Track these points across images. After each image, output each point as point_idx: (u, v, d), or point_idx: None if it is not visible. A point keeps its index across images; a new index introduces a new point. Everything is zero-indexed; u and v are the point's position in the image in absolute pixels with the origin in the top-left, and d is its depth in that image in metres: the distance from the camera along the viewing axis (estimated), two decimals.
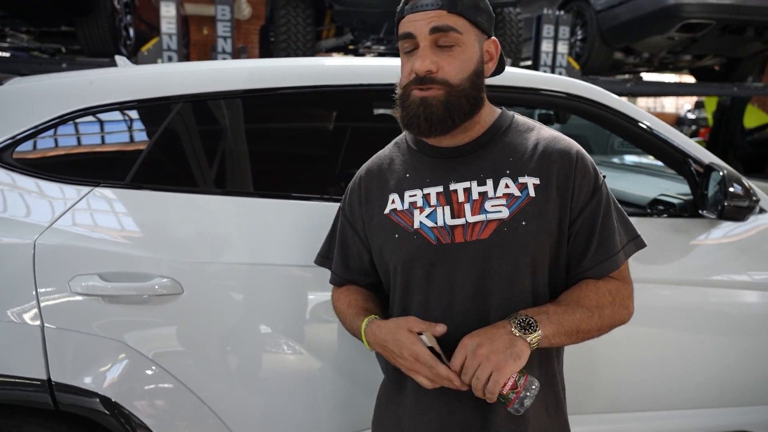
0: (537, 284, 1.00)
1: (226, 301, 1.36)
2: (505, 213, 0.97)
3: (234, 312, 1.37)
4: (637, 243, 1.07)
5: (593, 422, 1.61)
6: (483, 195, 0.99)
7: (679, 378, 1.67)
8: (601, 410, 1.63)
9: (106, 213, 1.35)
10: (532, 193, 0.98)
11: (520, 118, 1.09)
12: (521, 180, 0.99)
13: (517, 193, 0.98)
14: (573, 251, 1.02)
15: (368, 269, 1.13)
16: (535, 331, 0.92)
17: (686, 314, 1.63)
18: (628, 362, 1.59)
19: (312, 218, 1.40)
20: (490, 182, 0.99)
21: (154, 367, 1.32)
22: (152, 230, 1.36)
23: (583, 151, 1.04)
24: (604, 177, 1.05)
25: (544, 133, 1.05)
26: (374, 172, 1.11)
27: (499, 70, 1.10)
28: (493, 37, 1.02)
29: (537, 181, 0.99)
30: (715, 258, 1.65)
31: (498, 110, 1.08)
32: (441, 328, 0.94)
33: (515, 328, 0.92)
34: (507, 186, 0.98)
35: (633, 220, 1.60)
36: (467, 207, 0.98)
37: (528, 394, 0.89)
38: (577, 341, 0.99)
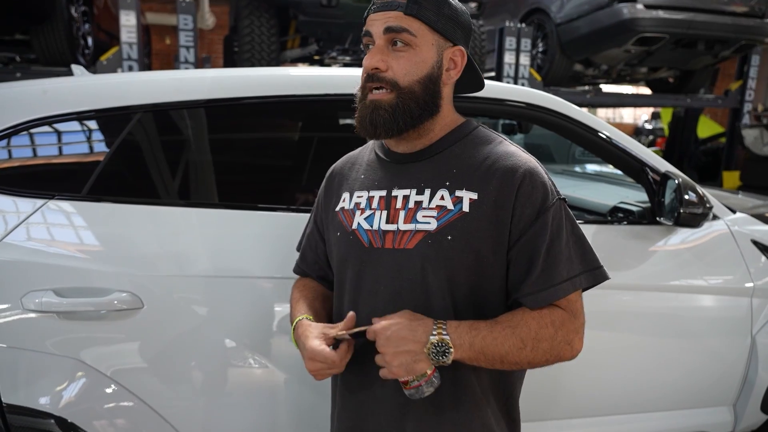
0: (456, 302, 0.96)
1: (189, 315, 1.33)
2: (433, 225, 0.95)
3: (197, 326, 1.34)
4: (594, 276, 0.98)
5: (553, 428, 1.63)
6: (418, 204, 0.97)
7: (639, 381, 1.71)
8: (563, 416, 1.65)
9: (61, 226, 1.30)
10: (465, 209, 0.94)
11: (483, 131, 1.05)
12: (458, 193, 0.96)
13: (450, 206, 0.95)
14: (513, 276, 0.96)
15: (322, 262, 1.15)
16: (445, 355, 0.88)
17: (645, 318, 1.68)
18: (588, 368, 1.62)
19: (277, 229, 1.39)
20: (427, 192, 0.98)
21: (113, 385, 1.28)
22: (110, 243, 1.32)
23: (538, 170, 0.97)
24: (562, 200, 0.98)
25: (500, 148, 1.00)
26: (338, 170, 1.14)
27: (477, 84, 1.09)
28: (459, 47, 1.00)
29: (474, 196, 0.95)
30: (672, 264, 1.71)
31: (461, 119, 1.06)
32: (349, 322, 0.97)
33: (429, 348, 0.88)
34: (442, 198, 0.96)
35: (593, 227, 1.68)
36: (402, 214, 0.98)
37: (426, 388, 0.90)
38: (501, 368, 0.94)
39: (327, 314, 1.12)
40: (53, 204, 1.30)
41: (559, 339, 0.93)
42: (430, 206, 0.96)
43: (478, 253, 0.94)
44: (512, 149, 1.00)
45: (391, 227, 0.98)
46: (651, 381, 1.72)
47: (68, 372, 1.25)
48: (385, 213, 1.00)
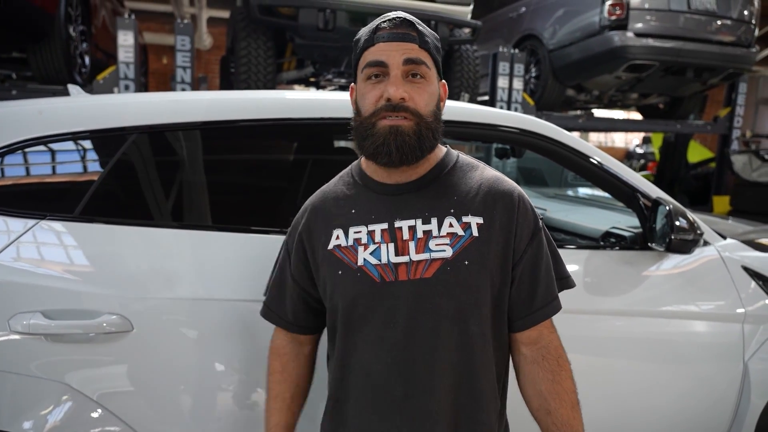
0: (482, 324, 0.99)
1: (179, 338, 1.31)
2: (448, 252, 0.97)
3: (186, 349, 1.32)
4: (561, 284, 1.08)
5: None
6: (427, 233, 0.98)
7: (630, 408, 1.70)
8: None
9: (52, 247, 1.29)
10: (475, 233, 0.98)
11: (464, 158, 1.10)
12: (465, 219, 0.99)
13: (460, 232, 0.98)
14: (518, 293, 1.03)
15: (299, 308, 1.11)
16: None
17: (636, 344, 1.67)
18: (581, 394, 1.61)
19: (272, 252, 1.38)
20: (434, 221, 0.99)
21: (99, 410, 1.25)
22: (101, 265, 1.31)
23: (524, 193, 1.06)
24: (541, 218, 1.07)
25: (488, 173, 1.06)
26: (318, 207, 1.09)
27: None
28: (443, 81, 1.06)
29: (480, 220, 0.99)
30: (663, 289, 1.71)
31: (444, 148, 1.09)
32: None
33: None
34: (451, 225, 0.98)
35: (586, 252, 1.69)
36: (412, 245, 0.98)
37: None
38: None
39: (296, 415, 1.15)
40: (45, 224, 1.30)
41: (564, 368, 1.05)
42: (441, 234, 0.98)
43: (491, 274, 0.99)
44: (498, 173, 1.08)
45: (403, 259, 0.97)
46: (642, 408, 1.71)
47: (54, 396, 1.23)
48: (392, 245, 0.99)
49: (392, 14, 1.00)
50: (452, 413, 0.98)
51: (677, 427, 1.76)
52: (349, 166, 1.14)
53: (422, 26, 1.01)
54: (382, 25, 0.98)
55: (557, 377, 1.03)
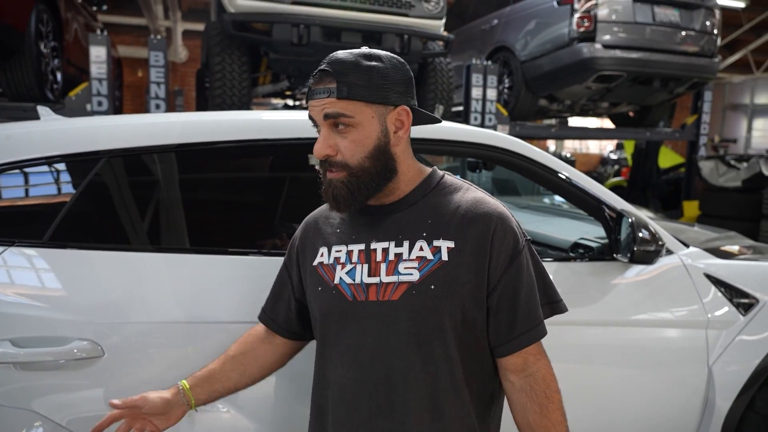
0: (447, 347, 0.99)
1: (150, 362, 1.31)
2: (415, 276, 0.98)
3: (158, 373, 1.32)
4: (552, 308, 1.07)
5: None
6: (398, 256, 1.00)
7: (602, 414, 1.74)
8: None
9: (20, 274, 1.28)
10: (444, 257, 0.98)
11: (449, 179, 1.09)
12: (436, 243, 0.99)
13: (429, 256, 0.99)
14: (497, 319, 1.01)
15: (292, 315, 1.16)
16: None
17: (606, 352, 1.72)
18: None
19: (249, 273, 1.39)
20: (406, 244, 1.01)
21: None
22: (70, 290, 1.30)
23: (507, 215, 1.03)
24: (528, 241, 1.05)
25: (469, 195, 1.05)
26: (312, 225, 1.15)
27: (428, 121, 1.10)
28: (401, 106, 1.01)
29: (452, 244, 0.99)
30: (629, 299, 1.76)
31: (428, 170, 1.09)
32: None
33: None
34: (421, 249, 0.99)
35: (555, 264, 1.73)
36: (383, 267, 1.00)
37: None
38: None
39: (234, 379, 1.17)
40: (13, 251, 1.29)
41: (555, 398, 1.04)
42: (411, 257, 0.99)
43: (462, 299, 0.98)
44: (480, 195, 1.06)
45: (374, 280, 1.00)
46: (613, 412, 1.75)
47: (23, 424, 1.22)
48: (366, 266, 1.01)
49: (323, 63, 0.99)
50: None
51: (648, 429, 1.80)
52: None
53: (346, 69, 0.97)
54: (312, 80, 1.01)
55: (545, 410, 1.01)
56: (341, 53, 1.00)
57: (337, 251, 1.06)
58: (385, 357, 0.98)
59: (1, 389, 1.21)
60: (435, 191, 1.06)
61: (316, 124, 1.03)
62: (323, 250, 1.08)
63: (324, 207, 1.17)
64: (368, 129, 0.99)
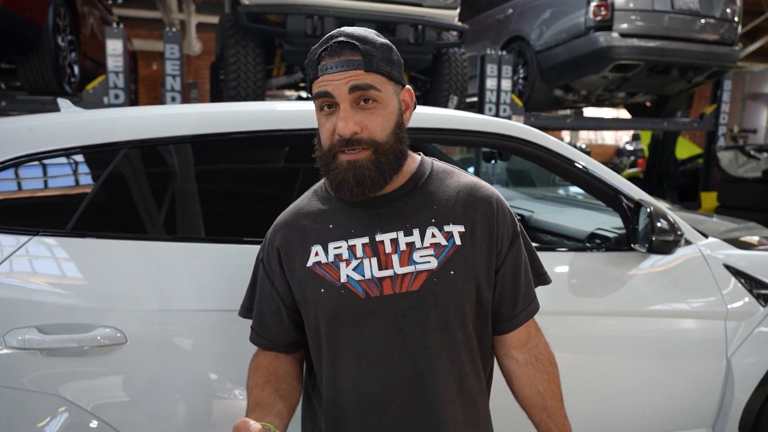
0: (467, 332, 1.00)
1: (172, 349, 1.34)
2: (433, 263, 0.96)
3: (180, 360, 1.34)
4: (539, 280, 1.13)
5: None
6: (410, 245, 0.97)
7: (618, 406, 1.73)
8: None
9: (45, 262, 1.31)
10: (458, 242, 0.98)
11: (439, 165, 1.08)
12: (447, 228, 0.98)
13: (443, 242, 0.97)
14: (502, 297, 1.05)
15: (287, 327, 1.06)
16: None
17: (623, 343, 1.71)
18: (566, 394, 1.64)
19: None
20: (416, 232, 0.98)
21: (95, 421, 1.27)
22: (94, 279, 1.33)
23: (502, 197, 1.06)
24: (520, 218, 1.10)
25: (464, 179, 1.05)
26: (293, 223, 1.05)
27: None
28: (407, 86, 1.01)
29: (462, 228, 0.99)
30: (647, 289, 1.75)
31: (418, 157, 1.08)
32: None
33: None
34: (434, 235, 0.98)
35: (571, 254, 1.72)
36: (395, 258, 0.96)
37: None
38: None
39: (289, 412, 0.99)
40: (38, 240, 1.32)
41: (556, 364, 1.11)
42: (425, 245, 0.97)
43: (477, 282, 1.00)
44: (474, 179, 1.08)
45: (387, 273, 0.96)
46: (630, 403, 1.75)
47: (50, 408, 1.25)
48: (375, 260, 0.97)
49: (334, 37, 0.94)
50: (453, 422, 0.98)
51: (665, 421, 1.80)
52: (321, 180, 1.10)
53: (367, 41, 0.94)
54: (323, 54, 0.93)
55: (551, 377, 1.09)
56: (351, 28, 0.95)
57: (336, 248, 0.99)
58: (410, 349, 0.96)
59: (28, 375, 1.24)
60: (431, 178, 1.05)
61: (326, 104, 0.95)
62: (317, 249, 1.00)
63: (298, 205, 1.08)
64: (391, 104, 0.96)
